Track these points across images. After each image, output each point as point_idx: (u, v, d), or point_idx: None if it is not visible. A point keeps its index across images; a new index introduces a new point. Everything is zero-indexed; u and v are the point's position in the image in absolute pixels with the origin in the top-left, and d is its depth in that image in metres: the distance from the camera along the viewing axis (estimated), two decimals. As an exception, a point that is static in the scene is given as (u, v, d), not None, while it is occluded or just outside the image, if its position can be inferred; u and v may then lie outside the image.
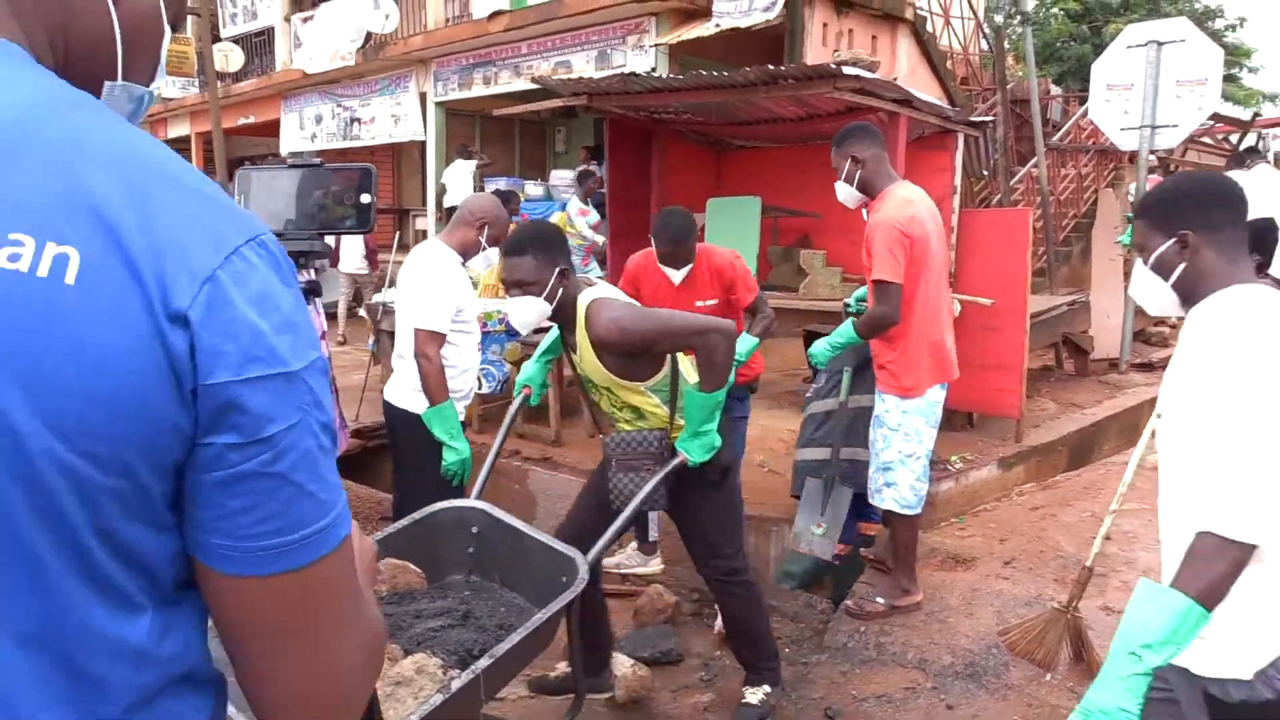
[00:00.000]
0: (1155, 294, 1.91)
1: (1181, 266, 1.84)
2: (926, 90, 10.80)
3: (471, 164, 12.56)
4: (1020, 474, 5.81)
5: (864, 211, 3.65)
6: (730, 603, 3.13)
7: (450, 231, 3.61)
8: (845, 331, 3.51)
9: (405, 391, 3.56)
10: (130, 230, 0.66)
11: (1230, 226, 1.83)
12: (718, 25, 9.70)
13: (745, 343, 3.89)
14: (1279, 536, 1.61)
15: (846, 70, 4.67)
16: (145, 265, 0.66)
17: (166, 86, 20.61)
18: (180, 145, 21.79)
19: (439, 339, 3.42)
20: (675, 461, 2.78)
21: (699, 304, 3.91)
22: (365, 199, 2.17)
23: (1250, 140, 13.60)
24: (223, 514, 0.71)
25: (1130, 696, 1.62)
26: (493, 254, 3.21)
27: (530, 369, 3.30)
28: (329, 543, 0.75)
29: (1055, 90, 14.27)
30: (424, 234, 14.88)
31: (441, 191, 13.25)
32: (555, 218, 9.00)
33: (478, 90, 12.87)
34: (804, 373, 7.72)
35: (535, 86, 5.88)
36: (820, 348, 3.64)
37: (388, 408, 3.71)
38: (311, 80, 15.75)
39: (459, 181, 12.73)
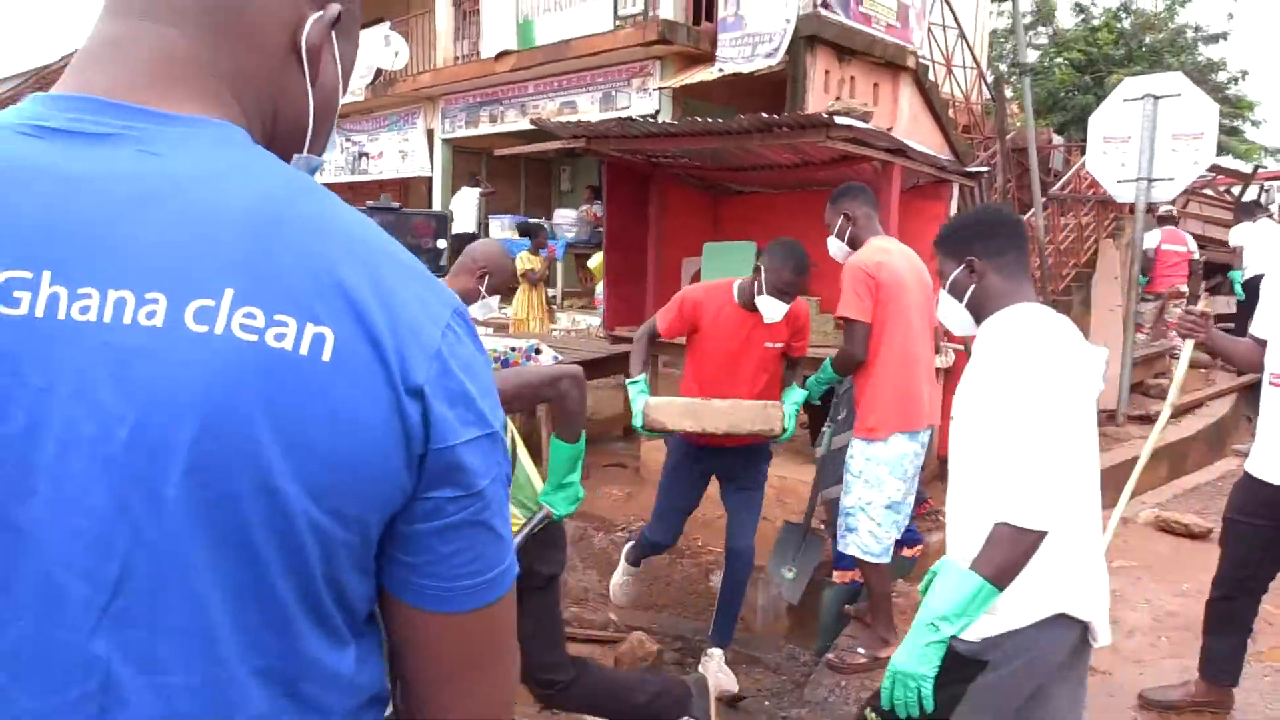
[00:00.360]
0: (953, 314, 2.17)
1: (971, 289, 2.10)
2: (928, 138, 10.88)
3: (476, 191, 12.71)
4: (1012, 525, 5.78)
5: None
6: (566, 703, 2.99)
7: (452, 277, 3.47)
8: (825, 367, 3.65)
9: None
10: (373, 310, 0.74)
11: (1012, 251, 2.08)
12: (721, 70, 9.82)
13: (796, 395, 3.85)
14: (1062, 524, 1.86)
15: (839, 120, 4.70)
16: (388, 343, 0.74)
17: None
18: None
19: None
20: (539, 515, 2.68)
21: (768, 344, 3.77)
22: (441, 244, 2.19)
23: (1253, 193, 13.67)
24: (434, 559, 0.80)
25: (927, 662, 1.83)
26: (493, 302, 3.10)
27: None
28: (510, 578, 0.86)
29: (1058, 139, 14.36)
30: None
31: (449, 218, 13.39)
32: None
33: (484, 128, 13.00)
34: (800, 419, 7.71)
35: (575, 139, 5.92)
36: (809, 383, 3.83)
37: None
38: (321, 115, 15.90)
39: (465, 208, 12.84)
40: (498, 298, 3.20)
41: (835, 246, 3.72)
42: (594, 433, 6.42)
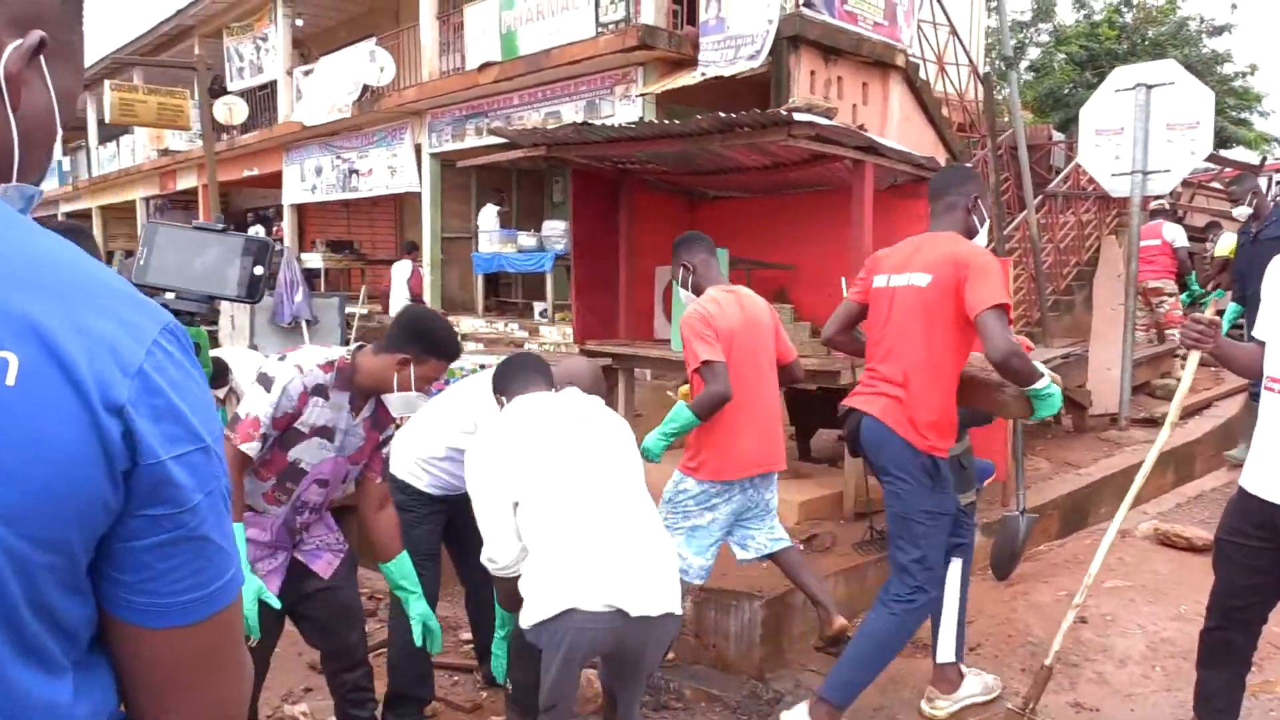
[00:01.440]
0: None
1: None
2: (921, 137, 10.59)
3: (494, 209, 13.15)
4: (1006, 540, 5.47)
5: None
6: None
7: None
8: (679, 416, 3.39)
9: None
10: (63, 333, 0.75)
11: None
12: (703, 74, 9.57)
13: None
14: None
15: (799, 117, 4.42)
16: (81, 363, 0.75)
17: (174, 139, 20.77)
18: (189, 197, 21.94)
19: None
20: None
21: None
22: (258, 271, 2.00)
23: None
24: (151, 575, 0.80)
25: None
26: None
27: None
28: (233, 589, 0.87)
29: (1058, 136, 14.02)
30: (422, 281, 14.75)
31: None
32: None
33: (471, 141, 12.80)
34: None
35: (536, 146, 5.68)
36: (653, 440, 3.45)
37: None
38: (311, 133, 15.79)
39: (488, 224, 13.20)
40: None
41: (684, 295, 3.78)
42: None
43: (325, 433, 2.72)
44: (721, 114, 4.61)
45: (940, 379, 3.03)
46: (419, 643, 2.94)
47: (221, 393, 5.98)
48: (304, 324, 12.07)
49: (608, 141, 5.41)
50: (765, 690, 3.72)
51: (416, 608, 2.95)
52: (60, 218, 27.49)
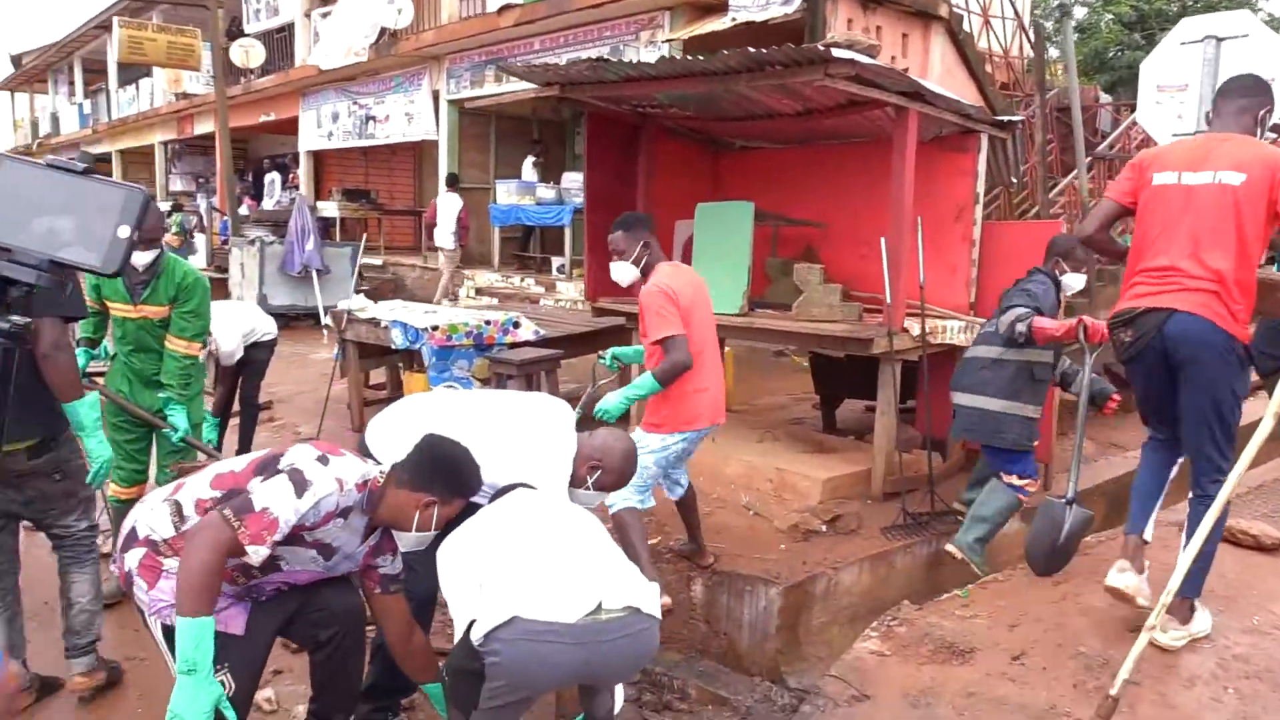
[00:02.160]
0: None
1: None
2: (962, 94, 10.02)
3: (532, 160, 13.31)
4: (1046, 527, 5.03)
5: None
6: None
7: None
8: (645, 383, 3.73)
9: None
10: None
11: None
12: (733, 19, 9.04)
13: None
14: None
15: (838, 53, 3.94)
16: None
17: (191, 82, 20.34)
18: (206, 142, 21.53)
19: None
20: None
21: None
22: (122, 232, 1.56)
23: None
24: None
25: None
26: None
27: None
28: None
29: (1105, 98, 13.35)
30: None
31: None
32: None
33: (490, 88, 12.30)
34: (809, 399, 6.99)
35: (549, 85, 5.22)
36: (614, 403, 3.80)
37: None
38: (328, 77, 15.33)
39: (528, 176, 13.11)
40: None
41: (626, 271, 3.87)
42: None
43: (326, 550, 2.46)
44: (751, 49, 4.13)
45: (1249, 273, 3.12)
46: None
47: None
48: (314, 273, 11.72)
49: (626, 81, 4.95)
50: (780, 694, 3.35)
51: None
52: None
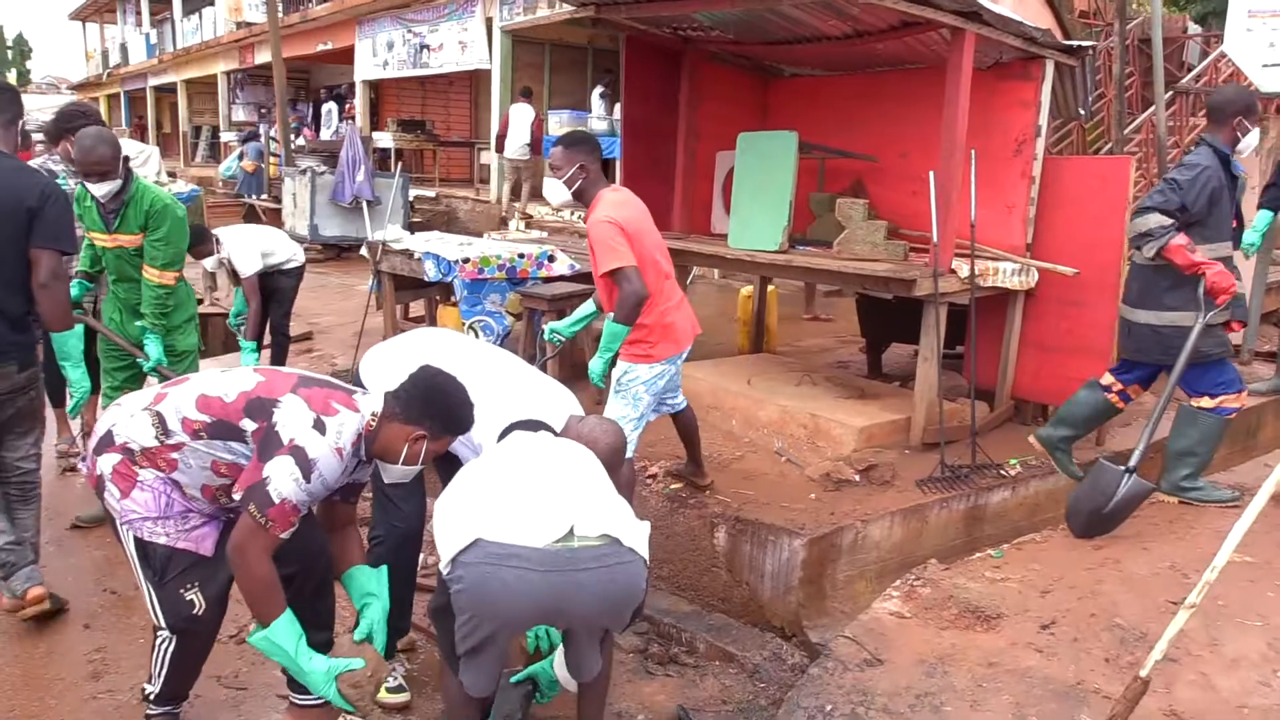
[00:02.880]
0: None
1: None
2: (1036, 23, 9.42)
3: (600, 90, 13.23)
4: (1097, 484, 4.75)
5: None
6: None
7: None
8: (612, 332, 3.57)
9: None
10: None
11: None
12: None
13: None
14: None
15: (886, -35, 3.62)
16: None
17: (251, 11, 20.30)
18: (267, 72, 21.45)
19: None
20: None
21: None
22: None
23: None
24: None
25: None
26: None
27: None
28: None
29: (1194, 29, 12.52)
30: (487, 169, 14.17)
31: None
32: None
33: (543, 13, 11.96)
34: (857, 342, 6.72)
35: (584, 5, 4.96)
36: (597, 364, 3.71)
37: None
38: (383, 5, 15.15)
39: (596, 108, 13.12)
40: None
41: (559, 191, 3.70)
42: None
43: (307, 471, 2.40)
44: (791, -38, 3.82)
45: None
46: (358, 639, 2.60)
47: (210, 263, 5.58)
48: (364, 204, 11.65)
49: None
50: (791, 653, 3.18)
51: (371, 613, 2.62)
52: (149, 91, 27.55)
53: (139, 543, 2.43)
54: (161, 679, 2.55)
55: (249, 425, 2.37)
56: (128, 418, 2.45)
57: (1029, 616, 2.99)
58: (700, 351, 4.95)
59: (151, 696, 2.59)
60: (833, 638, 3.00)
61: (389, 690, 2.99)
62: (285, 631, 2.32)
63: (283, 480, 2.28)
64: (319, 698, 2.58)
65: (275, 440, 2.32)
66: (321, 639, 2.67)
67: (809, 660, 3.10)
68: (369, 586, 2.62)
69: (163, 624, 2.48)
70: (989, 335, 4.97)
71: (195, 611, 2.45)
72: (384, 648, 2.69)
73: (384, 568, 2.68)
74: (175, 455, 2.39)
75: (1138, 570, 3.19)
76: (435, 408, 2.43)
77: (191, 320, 4.34)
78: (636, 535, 2.24)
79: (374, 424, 2.43)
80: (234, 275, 5.61)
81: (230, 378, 2.48)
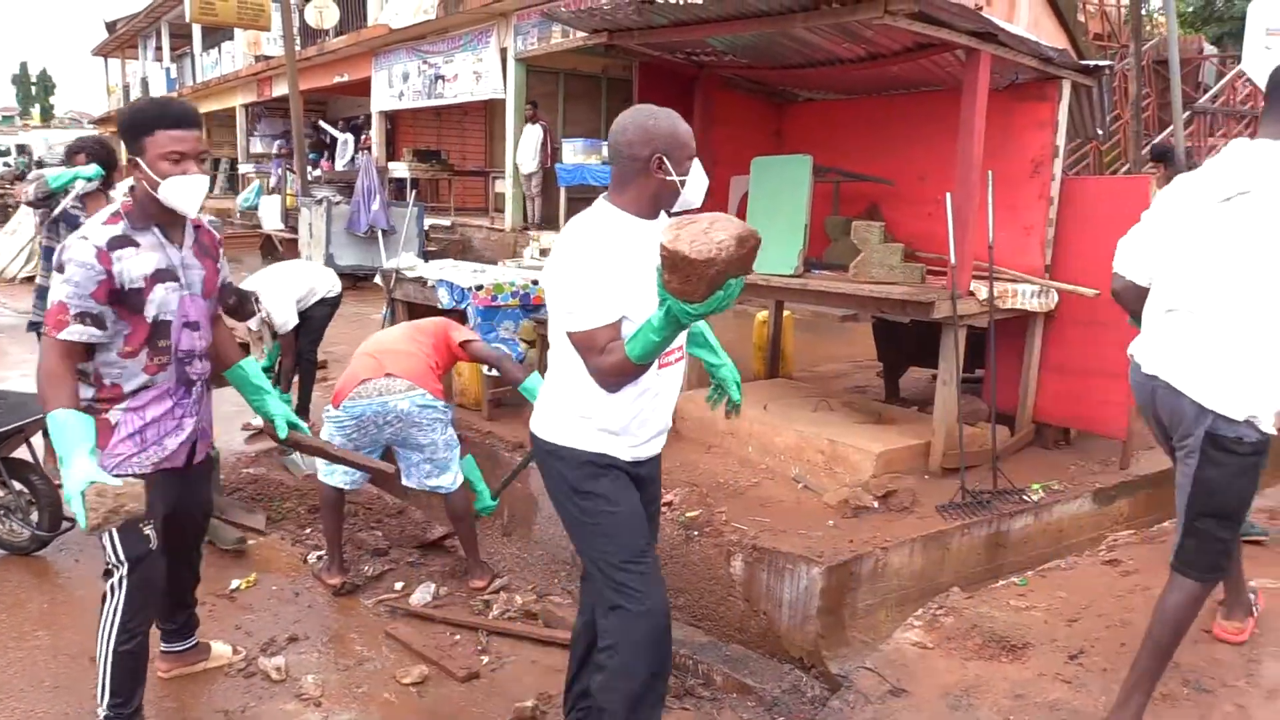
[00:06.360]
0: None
1: None
2: (1052, 44, 9.42)
3: (536, 130, 13.23)
4: (1123, 510, 4.66)
5: None
6: None
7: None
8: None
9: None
10: None
11: None
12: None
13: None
14: None
15: (899, -14, 3.59)
16: None
17: (270, 45, 20.54)
18: (285, 105, 21.70)
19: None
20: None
21: None
22: None
23: None
24: None
25: None
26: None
27: None
28: None
29: (1210, 50, 12.48)
30: (502, 198, 14.22)
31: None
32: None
33: (556, 43, 12.03)
34: (874, 366, 6.65)
35: (596, 32, 4.97)
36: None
37: None
38: (399, 36, 15.27)
39: (527, 147, 12.94)
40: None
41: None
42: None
43: (163, 275, 2.56)
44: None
45: None
46: (283, 435, 2.87)
47: (254, 323, 5.54)
48: (380, 233, 11.69)
49: (675, 25, 4.65)
50: (810, 685, 3.10)
51: (273, 406, 2.89)
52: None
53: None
54: (111, 650, 2.61)
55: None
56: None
57: (1056, 646, 2.91)
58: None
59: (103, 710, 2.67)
60: (853, 669, 2.93)
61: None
62: (60, 424, 2.31)
63: (54, 289, 2.42)
64: (187, 644, 3.12)
65: None
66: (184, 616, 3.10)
67: (829, 692, 3.02)
68: (256, 379, 2.87)
69: (122, 558, 2.58)
70: (1009, 358, 4.90)
71: (150, 546, 2.61)
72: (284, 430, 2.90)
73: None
74: (100, 369, 2.53)
75: (1166, 596, 3.09)
76: (123, 129, 2.55)
77: None
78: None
79: (132, 195, 2.57)
80: (272, 330, 5.62)
81: None
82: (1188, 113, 8.27)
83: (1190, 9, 18.66)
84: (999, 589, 3.39)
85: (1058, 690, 2.68)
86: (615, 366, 2.18)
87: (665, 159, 2.35)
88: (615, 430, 2.41)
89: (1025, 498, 4.33)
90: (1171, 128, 7.42)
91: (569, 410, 2.42)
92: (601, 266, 2.25)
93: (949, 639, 2.99)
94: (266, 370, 5.71)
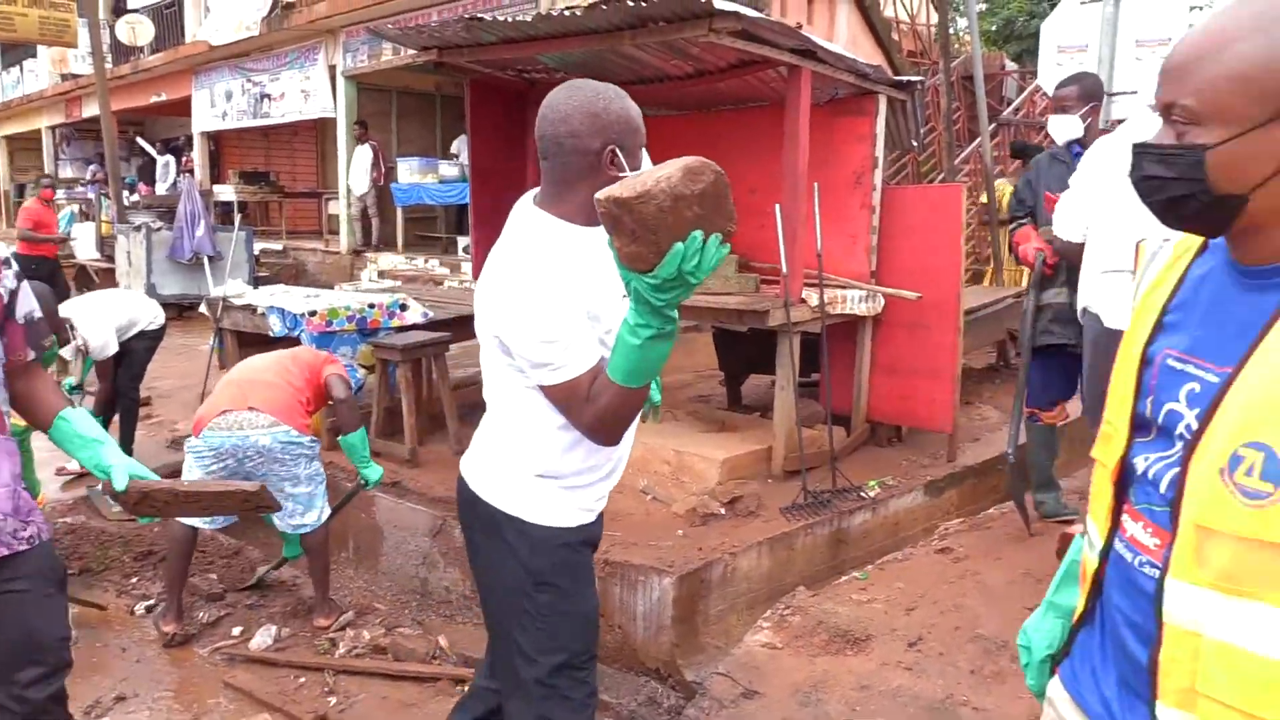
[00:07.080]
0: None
1: None
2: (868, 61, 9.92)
3: (367, 149, 12.91)
4: (953, 500, 4.92)
5: None
6: None
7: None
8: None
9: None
10: None
11: None
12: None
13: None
14: None
15: (722, 5, 3.69)
16: None
17: (77, 62, 19.27)
18: (96, 126, 20.41)
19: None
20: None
21: None
22: None
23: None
24: None
25: None
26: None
27: None
28: None
29: (1011, 66, 13.41)
30: (336, 219, 13.82)
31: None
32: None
33: (387, 60, 11.78)
34: (716, 375, 6.79)
35: (425, 50, 4.86)
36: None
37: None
38: (220, 54, 14.62)
39: (359, 169, 12.70)
40: None
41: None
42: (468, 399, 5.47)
43: None
44: (631, 2, 3.85)
45: None
46: (121, 488, 2.12)
47: (67, 351, 5.15)
48: (205, 260, 11.13)
49: (505, 43, 4.64)
50: (666, 695, 3.12)
51: (109, 456, 2.15)
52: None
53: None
54: None
55: None
56: None
57: (896, 635, 3.04)
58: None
59: None
60: (707, 675, 2.97)
61: None
62: None
63: None
64: None
65: None
66: None
67: (685, 701, 3.05)
68: (84, 432, 2.17)
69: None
70: (842, 361, 5.09)
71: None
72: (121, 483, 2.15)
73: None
74: None
75: (994, 579, 3.29)
76: None
77: None
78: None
79: None
80: (86, 354, 5.22)
81: None
82: (993, 124, 8.86)
83: (993, 28, 20.01)
84: (842, 585, 3.51)
85: (900, 678, 2.80)
86: (609, 408, 1.74)
87: (619, 151, 1.85)
88: (584, 485, 1.96)
89: (863, 494, 4.51)
90: (979, 140, 7.92)
91: (521, 468, 1.93)
92: (570, 306, 1.79)
93: (797, 637, 3.08)
94: (74, 390, 5.31)
